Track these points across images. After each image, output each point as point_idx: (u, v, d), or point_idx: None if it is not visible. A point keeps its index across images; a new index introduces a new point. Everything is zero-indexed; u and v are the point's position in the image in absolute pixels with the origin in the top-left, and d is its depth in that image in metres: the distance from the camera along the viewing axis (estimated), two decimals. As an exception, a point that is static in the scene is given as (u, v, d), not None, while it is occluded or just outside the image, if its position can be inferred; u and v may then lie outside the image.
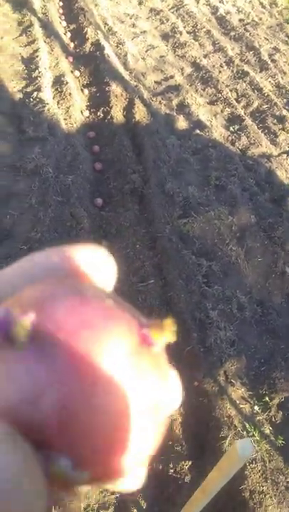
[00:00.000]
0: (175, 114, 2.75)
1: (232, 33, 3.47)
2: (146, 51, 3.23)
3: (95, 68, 2.98)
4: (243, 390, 1.74)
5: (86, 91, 2.86)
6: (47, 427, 0.15)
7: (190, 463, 1.56)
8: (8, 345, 0.15)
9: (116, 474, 0.17)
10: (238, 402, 1.70)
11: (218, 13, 3.67)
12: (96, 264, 0.21)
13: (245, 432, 1.62)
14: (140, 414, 0.17)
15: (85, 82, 2.94)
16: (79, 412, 0.15)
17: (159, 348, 0.18)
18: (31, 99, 2.63)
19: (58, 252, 0.21)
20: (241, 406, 1.69)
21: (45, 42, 3.12)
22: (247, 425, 1.64)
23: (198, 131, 2.65)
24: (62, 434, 0.15)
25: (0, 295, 0.20)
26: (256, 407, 1.70)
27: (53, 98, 2.70)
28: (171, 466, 1.56)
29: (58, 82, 2.83)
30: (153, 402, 0.17)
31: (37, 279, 0.20)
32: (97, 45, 3.12)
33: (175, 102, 2.83)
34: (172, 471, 1.55)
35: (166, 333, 0.18)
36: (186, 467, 1.56)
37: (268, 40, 3.47)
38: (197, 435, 1.61)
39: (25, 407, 0.15)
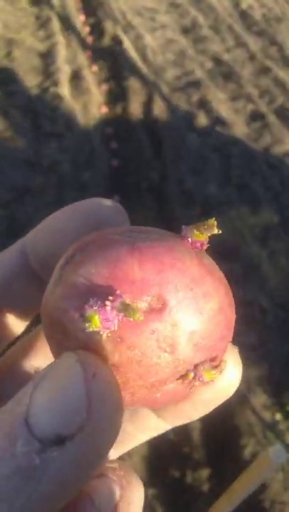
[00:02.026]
0: (195, 110, 2.70)
1: (254, 28, 3.40)
2: (165, 45, 3.18)
3: (113, 62, 2.94)
4: (264, 397, 1.69)
5: (104, 86, 2.83)
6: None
7: (208, 471, 1.53)
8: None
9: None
10: (259, 409, 1.66)
11: (240, 8, 3.60)
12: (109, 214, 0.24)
13: (266, 441, 1.59)
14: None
15: (103, 77, 2.91)
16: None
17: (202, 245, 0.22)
18: (48, 94, 2.61)
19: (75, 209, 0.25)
20: (262, 414, 1.65)
21: (62, 36, 3.09)
22: (268, 434, 1.60)
23: (219, 128, 2.60)
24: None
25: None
26: (278, 416, 1.66)
27: (70, 93, 2.67)
28: (188, 473, 1.53)
29: (76, 76, 2.80)
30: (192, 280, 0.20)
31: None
32: (116, 39, 3.08)
33: (195, 97, 2.78)
34: (190, 478, 1.52)
35: (208, 232, 0.22)
36: (205, 475, 1.52)
37: (291, 35, 3.40)
38: (216, 443, 1.58)
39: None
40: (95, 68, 2.93)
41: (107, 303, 0.18)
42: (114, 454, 0.27)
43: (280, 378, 1.75)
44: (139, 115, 2.61)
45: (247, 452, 1.55)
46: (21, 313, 0.28)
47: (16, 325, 0.28)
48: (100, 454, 0.18)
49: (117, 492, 0.22)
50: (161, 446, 1.54)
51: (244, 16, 3.54)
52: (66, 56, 2.94)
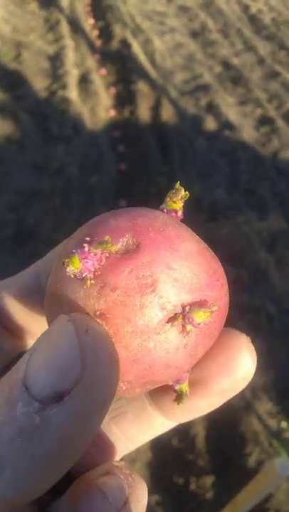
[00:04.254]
0: (203, 114, 2.69)
1: (264, 32, 3.38)
2: (174, 49, 3.17)
3: (122, 66, 2.94)
4: (270, 404, 1.67)
5: (112, 89, 2.82)
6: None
7: (213, 479, 1.51)
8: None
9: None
10: (264, 417, 1.64)
11: (250, 12, 3.59)
12: None
13: (271, 449, 1.57)
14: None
15: (111, 80, 2.90)
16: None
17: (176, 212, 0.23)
18: (56, 97, 2.61)
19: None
20: (268, 422, 1.63)
21: (71, 39, 3.09)
22: (273, 442, 1.58)
23: (227, 133, 2.59)
24: None
25: None
26: (283, 424, 1.64)
27: (78, 96, 2.67)
28: (192, 481, 1.51)
29: (84, 80, 2.80)
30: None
31: None
32: (124, 43, 3.08)
33: (203, 101, 2.77)
34: (194, 486, 1.51)
35: (177, 195, 0.23)
36: (209, 483, 1.51)
37: (300, 39, 3.38)
38: (221, 450, 1.56)
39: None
40: (103, 72, 2.93)
41: (85, 244, 0.20)
42: (117, 455, 0.28)
43: (286, 385, 1.73)
44: (147, 119, 2.60)
45: (251, 460, 1.53)
46: (27, 328, 0.29)
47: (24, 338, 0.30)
48: (98, 407, 0.18)
49: (126, 489, 0.22)
50: (165, 453, 1.53)
51: (253, 20, 3.53)
52: (74, 59, 2.94)
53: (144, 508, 0.23)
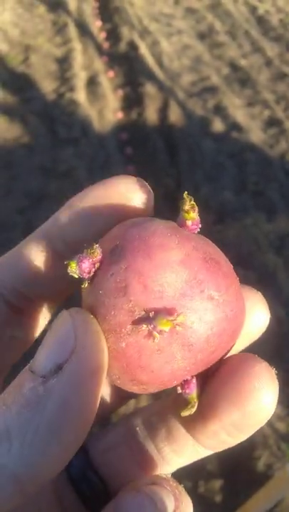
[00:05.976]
0: (211, 116, 2.68)
1: (271, 33, 3.37)
2: (181, 51, 3.17)
3: (129, 68, 2.94)
4: (279, 408, 1.66)
5: (120, 91, 2.83)
6: None
7: (221, 482, 1.50)
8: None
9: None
10: (273, 420, 1.63)
11: (257, 13, 3.58)
12: (131, 193, 0.25)
13: (280, 453, 1.56)
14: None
15: (119, 83, 2.91)
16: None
17: (192, 223, 0.25)
18: (64, 100, 2.62)
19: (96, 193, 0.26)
20: (277, 425, 1.62)
21: (79, 42, 3.10)
22: (282, 445, 1.57)
23: (235, 134, 2.58)
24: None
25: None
26: (293, 427, 1.63)
27: (86, 98, 2.68)
28: (201, 484, 1.50)
29: (92, 82, 2.81)
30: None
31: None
32: (132, 45, 3.08)
33: (211, 103, 2.77)
34: (202, 489, 1.50)
35: (191, 210, 0.25)
36: (217, 486, 1.50)
37: (308, 40, 3.36)
38: (229, 453, 1.54)
39: None
40: (111, 74, 2.94)
41: (83, 252, 0.24)
42: (155, 472, 0.28)
43: (295, 389, 1.72)
44: (154, 121, 2.60)
45: (261, 464, 1.52)
46: (52, 300, 0.30)
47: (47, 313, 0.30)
48: (91, 372, 0.20)
49: (173, 501, 0.23)
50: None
51: (261, 21, 3.52)
52: (82, 62, 2.95)
53: None
